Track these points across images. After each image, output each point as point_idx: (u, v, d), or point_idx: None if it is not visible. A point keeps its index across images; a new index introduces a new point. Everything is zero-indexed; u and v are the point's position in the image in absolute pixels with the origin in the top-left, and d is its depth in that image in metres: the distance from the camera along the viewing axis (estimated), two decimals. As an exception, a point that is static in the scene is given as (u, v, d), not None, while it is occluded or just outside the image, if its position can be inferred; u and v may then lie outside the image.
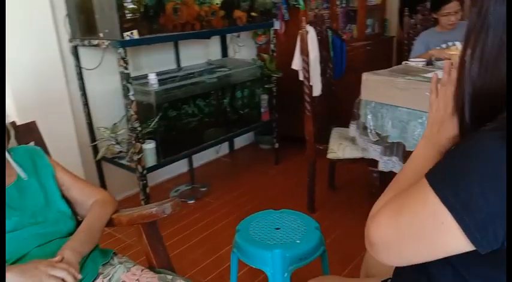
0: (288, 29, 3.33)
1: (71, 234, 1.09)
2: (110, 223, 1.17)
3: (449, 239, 0.59)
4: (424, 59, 2.33)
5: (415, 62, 2.28)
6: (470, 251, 0.59)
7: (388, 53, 4.33)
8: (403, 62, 2.36)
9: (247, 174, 3.13)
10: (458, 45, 2.01)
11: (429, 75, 1.90)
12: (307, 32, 2.23)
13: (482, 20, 0.63)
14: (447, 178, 0.60)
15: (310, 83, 2.30)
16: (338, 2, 3.64)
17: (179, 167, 3.08)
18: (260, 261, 1.49)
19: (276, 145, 3.25)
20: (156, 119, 2.37)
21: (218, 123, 2.86)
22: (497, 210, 0.55)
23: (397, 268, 0.94)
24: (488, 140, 0.57)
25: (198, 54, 3.09)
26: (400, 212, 0.65)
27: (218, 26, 2.69)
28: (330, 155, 2.28)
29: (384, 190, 0.82)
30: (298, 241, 1.51)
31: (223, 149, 3.51)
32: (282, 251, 1.45)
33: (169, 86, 2.47)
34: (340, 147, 2.27)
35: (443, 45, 2.59)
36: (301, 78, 2.36)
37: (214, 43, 3.21)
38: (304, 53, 2.26)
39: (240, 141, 3.62)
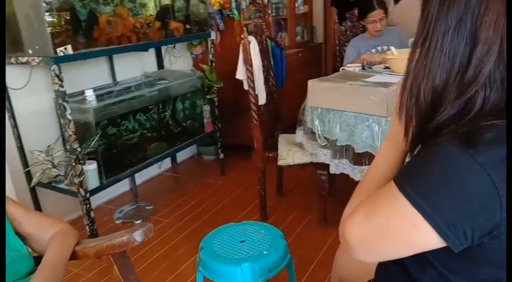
0: (224, 39, 3.34)
1: (31, 273, 0.99)
2: (74, 256, 1.07)
3: (423, 237, 0.62)
4: (359, 65, 2.46)
5: (352, 67, 2.40)
6: (447, 249, 0.62)
7: (319, 59, 4.51)
8: (341, 68, 2.47)
9: (193, 188, 3.06)
10: (394, 50, 2.14)
11: (369, 79, 2.01)
12: (249, 42, 2.25)
13: (427, 28, 0.68)
14: (415, 183, 0.63)
15: (256, 92, 2.32)
16: (269, 11, 3.72)
17: (120, 186, 2.93)
18: (229, 277, 1.46)
19: (221, 155, 3.22)
20: (96, 138, 2.23)
21: (161, 138, 2.77)
22: (464, 212, 0.59)
23: (377, 271, 0.97)
24: (449, 146, 0.61)
25: (133, 67, 2.98)
26: (373, 214, 0.69)
27: (155, 37, 2.62)
28: (280, 162, 2.31)
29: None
30: (265, 252, 1.50)
31: (166, 163, 3.41)
32: (251, 264, 1.44)
33: (109, 102, 2.35)
34: (290, 153, 2.30)
35: (373, 50, 2.75)
36: (246, 87, 2.37)
37: (150, 55, 3.11)
38: (248, 62, 2.27)
39: (182, 155, 3.54)
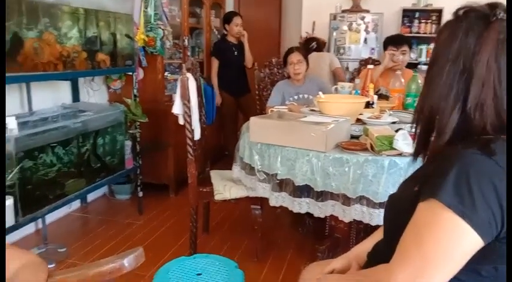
0: (146, 76, 3.31)
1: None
2: (48, 290, 0.95)
3: (468, 242, 0.73)
4: (286, 107, 2.65)
5: (281, 109, 2.57)
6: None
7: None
8: (270, 110, 2.62)
9: (109, 229, 2.85)
10: (321, 94, 2.37)
11: (304, 119, 2.17)
12: (187, 78, 2.29)
13: (432, 58, 0.87)
14: (451, 191, 0.74)
15: (192, 127, 2.34)
16: (189, 54, 3.82)
17: (23, 228, 2.60)
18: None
19: (140, 194, 3.08)
20: (16, 170, 2.00)
21: (80, 173, 2.57)
22: (495, 210, 0.72)
23: None
24: (474, 155, 0.75)
25: (49, 96, 2.77)
26: (422, 247, 0.75)
27: (82, 67, 2.51)
28: (217, 197, 2.32)
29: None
30: (226, 282, 1.49)
31: (74, 203, 3.13)
32: (215, 295, 1.42)
33: (30, 132, 2.14)
34: (226, 188, 2.33)
35: (296, 97, 2.99)
36: (181, 122, 2.37)
37: (66, 86, 2.94)
38: (185, 98, 2.29)
39: (92, 194, 3.29)
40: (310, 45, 4.10)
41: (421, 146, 0.92)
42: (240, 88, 4.15)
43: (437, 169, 0.79)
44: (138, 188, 3.07)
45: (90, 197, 3.30)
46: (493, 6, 0.81)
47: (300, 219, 2.79)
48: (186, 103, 2.31)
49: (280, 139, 2.02)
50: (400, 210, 0.90)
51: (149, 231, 2.84)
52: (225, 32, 4.10)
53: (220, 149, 4.32)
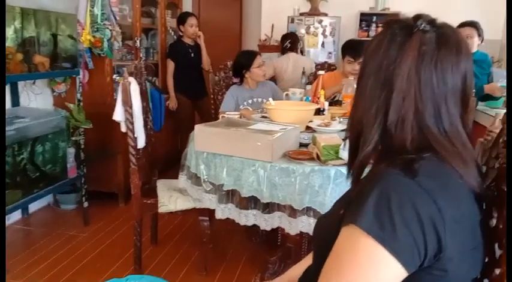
0: (92, 78, 3.14)
1: None
2: None
3: (389, 271, 0.66)
4: (238, 113, 2.56)
5: (232, 115, 2.48)
6: None
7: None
8: (221, 116, 2.53)
9: (51, 242, 2.67)
10: (271, 101, 2.29)
11: (252, 127, 2.09)
12: (129, 83, 2.16)
13: (360, 70, 0.82)
14: (371, 216, 0.67)
15: (135, 135, 2.21)
16: (141, 55, 3.67)
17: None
18: None
19: (85, 204, 2.91)
20: None
21: (16, 184, 2.40)
22: (418, 237, 0.65)
23: None
24: (395, 176, 0.69)
25: (-18, 102, 2.57)
26: (342, 277, 0.67)
27: (16, 71, 2.33)
28: (161, 209, 2.20)
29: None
30: (158, 306, 1.39)
31: (15, 214, 2.93)
32: (144, 322, 1.30)
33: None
34: (171, 199, 2.22)
35: (250, 101, 2.90)
36: (123, 129, 2.24)
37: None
38: (127, 104, 2.17)
39: (35, 204, 3.08)
40: (284, 45, 3.94)
41: (352, 160, 0.86)
42: (197, 91, 4.03)
43: (359, 191, 0.74)
44: (83, 198, 2.90)
45: (33, 207, 3.10)
46: (416, 18, 0.77)
47: (252, 228, 2.71)
48: (128, 109, 2.18)
49: (226, 148, 1.93)
50: (326, 234, 0.84)
51: (94, 243, 2.69)
52: (181, 33, 3.98)
53: (177, 154, 4.17)
